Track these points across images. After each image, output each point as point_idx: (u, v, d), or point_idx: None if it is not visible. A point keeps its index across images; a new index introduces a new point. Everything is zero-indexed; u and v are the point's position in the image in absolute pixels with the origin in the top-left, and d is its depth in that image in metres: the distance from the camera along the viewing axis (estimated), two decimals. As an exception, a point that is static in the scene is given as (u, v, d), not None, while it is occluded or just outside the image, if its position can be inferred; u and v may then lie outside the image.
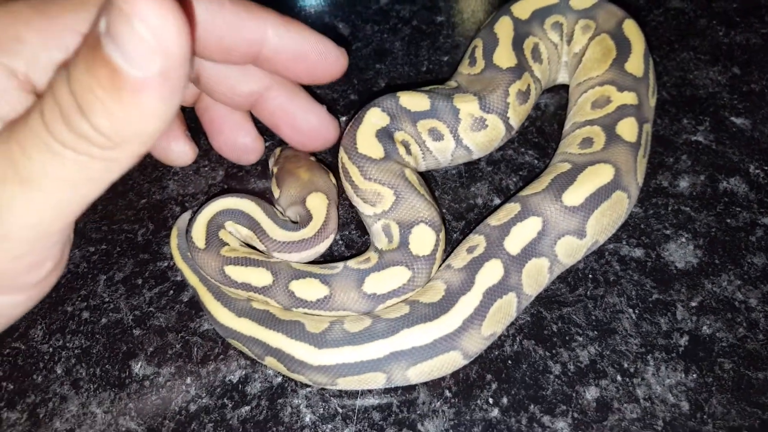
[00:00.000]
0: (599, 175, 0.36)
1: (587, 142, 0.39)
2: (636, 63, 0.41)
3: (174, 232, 0.39)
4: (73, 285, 0.39)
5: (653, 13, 0.53)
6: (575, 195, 0.36)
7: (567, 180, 0.36)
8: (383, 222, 0.37)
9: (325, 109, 0.40)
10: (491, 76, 0.41)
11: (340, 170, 0.39)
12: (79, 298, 0.39)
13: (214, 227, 0.37)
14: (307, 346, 0.33)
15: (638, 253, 0.40)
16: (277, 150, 0.42)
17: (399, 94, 0.39)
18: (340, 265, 0.36)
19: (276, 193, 0.40)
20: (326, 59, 0.36)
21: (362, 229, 0.41)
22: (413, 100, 0.39)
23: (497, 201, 0.42)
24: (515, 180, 0.43)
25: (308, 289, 0.35)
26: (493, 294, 0.34)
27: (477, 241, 0.36)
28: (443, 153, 0.41)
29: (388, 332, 0.33)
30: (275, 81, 0.38)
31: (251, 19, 0.34)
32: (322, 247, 0.38)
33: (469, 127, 0.40)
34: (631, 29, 0.42)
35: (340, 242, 0.41)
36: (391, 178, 0.36)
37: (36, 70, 0.29)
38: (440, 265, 0.37)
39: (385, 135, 0.38)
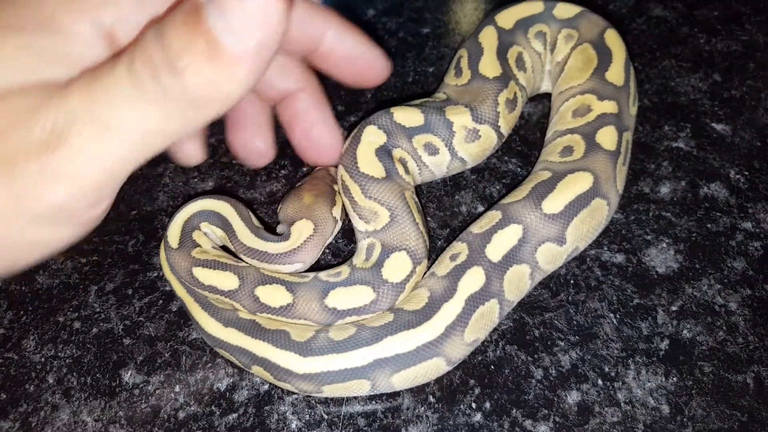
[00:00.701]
0: (578, 183, 0.37)
1: (567, 150, 0.40)
2: (617, 72, 0.42)
3: (163, 244, 0.39)
4: (64, 296, 0.40)
5: (636, 22, 0.54)
6: (555, 203, 0.36)
7: (547, 188, 0.37)
8: (370, 240, 0.37)
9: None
10: (479, 86, 0.41)
11: (340, 187, 0.39)
12: (71, 309, 0.39)
13: (188, 228, 0.37)
14: (292, 355, 0.33)
15: (619, 258, 0.40)
16: (317, 168, 0.42)
17: (392, 110, 0.40)
18: (311, 275, 0.37)
19: (279, 206, 0.40)
20: (374, 67, 0.38)
21: (349, 238, 0.42)
22: (407, 116, 0.40)
23: (481, 209, 0.43)
24: (498, 188, 0.44)
25: (273, 295, 0.35)
26: (475, 301, 0.34)
27: (459, 248, 0.37)
28: (439, 166, 0.41)
29: (372, 340, 0.33)
30: (309, 85, 0.39)
31: (317, 17, 0.36)
32: (284, 269, 0.37)
33: (464, 139, 0.40)
34: (613, 39, 0.43)
35: (327, 251, 0.42)
36: (391, 199, 0.37)
37: (121, 28, 0.30)
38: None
39: (384, 153, 0.39)
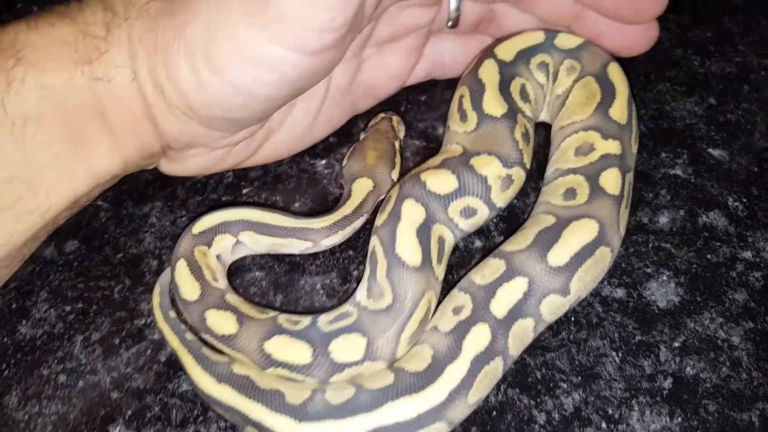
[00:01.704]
0: (583, 232, 0.36)
1: (571, 193, 0.38)
2: (620, 109, 0.41)
3: (156, 290, 0.38)
4: (49, 347, 0.38)
5: (629, 44, 0.53)
6: (560, 254, 0.35)
7: (552, 237, 0.36)
8: (353, 310, 0.36)
9: None
10: (491, 129, 0.40)
11: (369, 255, 0.37)
12: (56, 361, 0.38)
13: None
14: (287, 419, 0.32)
15: (620, 293, 0.40)
16: (380, 115, 0.45)
17: (423, 177, 0.38)
18: (272, 313, 0.36)
19: (345, 161, 0.43)
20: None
21: (343, 278, 0.41)
22: (440, 182, 0.38)
23: (478, 243, 0.42)
24: (495, 221, 0.43)
25: (221, 322, 0.35)
26: (480, 361, 0.33)
27: (463, 300, 0.36)
28: (476, 225, 0.40)
29: (372, 405, 0.32)
30: None
31: None
32: (358, 224, 0.40)
33: (500, 189, 0.39)
34: (615, 73, 0.42)
35: (321, 291, 0.40)
36: (407, 293, 0.35)
37: None
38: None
39: (424, 234, 0.36)
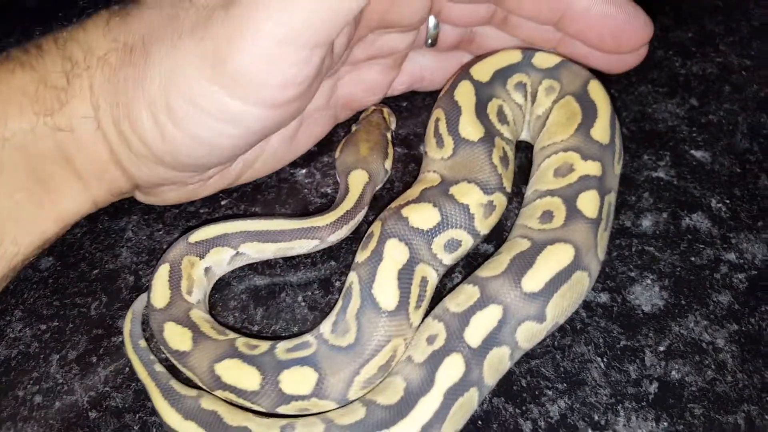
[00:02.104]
0: (558, 257, 0.35)
1: (547, 216, 0.38)
2: (602, 129, 0.39)
3: (128, 317, 0.37)
4: (24, 367, 0.37)
5: (609, 46, 0.53)
6: (535, 280, 0.34)
7: (526, 262, 0.35)
8: (313, 341, 0.35)
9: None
10: (468, 154, 0.39)
11: (345, 289, 0.36)
12: (31, 381, 0.37)
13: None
14: None
15: (604, 298, 0.39)
16: (371, 108, 0.46)
17: (404, 212, 0.37)
18: (232, 335, 0.36)
19: (337, 153, 0.43)
20: (634, 22, 0.38)
21: (325, 289, 0.40)
22: (422, 217, 0.36)
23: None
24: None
25: (176, 337, 0.35)
26: (454, 393, 0.32)
27: (437, 329, 0.34)
28: (459, 257, 0.39)
29: None
30: None
31: None
32: (360, 216, 0.41)
33: (483, 217, 0.38)
34: (597, 91, 0.41)
35: (303, 303, 0.40)
36: (371, 334, 0.34)
37: None
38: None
39: (406, 276, 0.35)
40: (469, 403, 0.33)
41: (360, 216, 0.41)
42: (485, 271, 0.36)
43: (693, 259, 0.41)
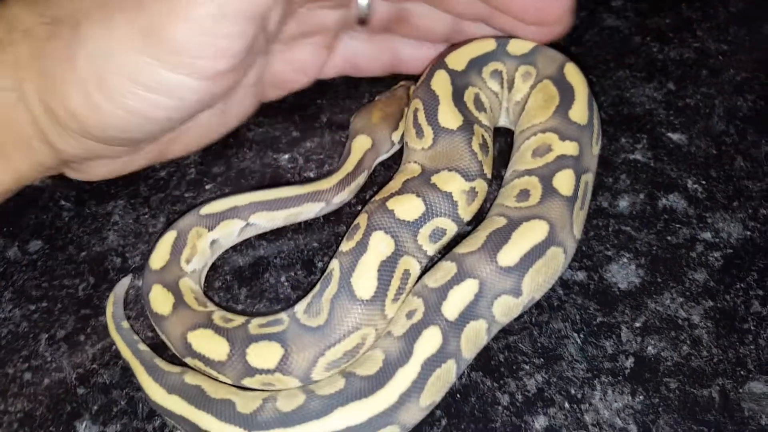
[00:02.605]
0: (533, 233, 0.36)
1: (524, 194, 0.38)
2: (580, 110, 0.40)
3: (110, 299, 0.38)
4: (13, 346, 0.38)
5: (588, 33, 0.54)
6: (510, 255, 0.35)
7: (502, 238, 0.36)
8: (286, 318, 0.36)
9: None
10: (447, 143, 0.39)
11: (325, 274, 0.37)
12: (21, 359, 0.38)
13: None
14: (237, 429, 0.32)
15: (581, 276, 0.40)
16: (401, 83, 0.47)
17: (389, 205, 0.37)
18: (211, 308, 0.37)
19: (353, 117, 0.45)
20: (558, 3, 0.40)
21: (308, 269, 0.41)
22: (407, 208, 0.37)
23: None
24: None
25: (160, 300, 0.36)
26: (432, 364, 0.33)
27: (416, 305, 0.35)
28: (442, 246, 0.39)
29: (322, 412, 0.32)
30: None
31: None
32: (361, 179, 0.42)
33: (466, 203, 0.38)
34: (573, 74, 0.42)
35: (286, 284, 0.41)
36: (342, 318, 0.35)
37: None
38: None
39: (388, 269, 0.36)
40: (447, 374, 0.34)
41: (361, 179, 0.42)
42: (462, 248, 0.37)
43: (669, 238, 0.42)
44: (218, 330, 0.35)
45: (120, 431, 0.35)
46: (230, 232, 0.40)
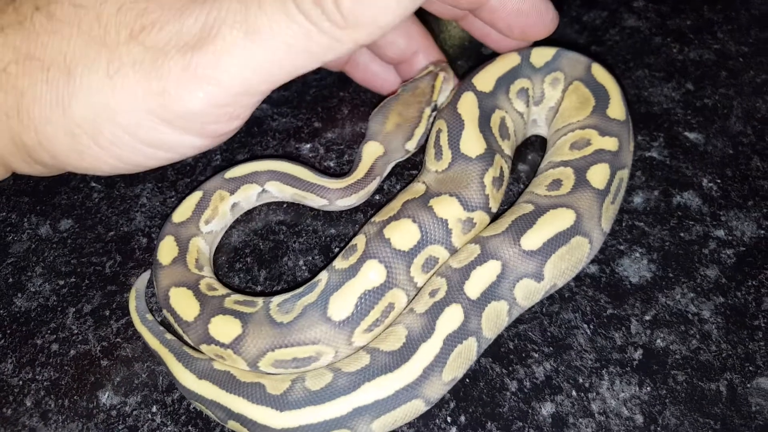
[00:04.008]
0: (559, 220, 0.36)
1: (556, 183, 0.39)
2: (618, 107, 0.41)
3: (132, 294, 0.39)
4: (43, 318, 0.40)
5: (609, 33, 0.54)
6: (533, 239, 0.36)
7: (526, 223, 0.37)
8: (257, 310, 0.36)
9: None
10: (462, 169, 0.39)
11: (311, 282, 0.38)
12: (49, 331, 0.40)
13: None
14: (269, 410, 0.33)
15: (593, 269, 0.41)
16: (428, 68, 0.44)
17: (386, 233, 0.36)
18: (260, 302, 0.37)
19: (372, 114, 0.43)
20: (543, 19, 0.39)
21: (325, 255, 0.42)
22: (403, 236, 0.36)
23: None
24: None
25: (183, 304, 0.36)
26: (453, 340, 0.34)
27: (439, 284, 0.36)
28: (432, 274, 0.38)
29: (350, 388, 0.33)
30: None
31: None
32: (372, 186, 0.42)
33: (461, 232, 0.38)
34: (602, 74, 0.42)
35: (304, 267, 0.42)
36: (303, 327, 0.35)
37: None
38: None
39: (372, 299, 0.36)
40: (468, 351, 0.35)
41: (372, 186, 0.42)
42: (487, 232, 0.38)
43: (682, 234, 0.42)
44: (197, 294, 0.37)
45: (140, 402, 0.37)
46: (249, 196, 0.42)
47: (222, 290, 0.38)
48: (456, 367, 0.35)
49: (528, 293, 0.36)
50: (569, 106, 0.43)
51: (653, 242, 0.42)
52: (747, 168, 0.45)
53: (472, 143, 0.39)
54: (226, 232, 0.43)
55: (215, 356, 0.36)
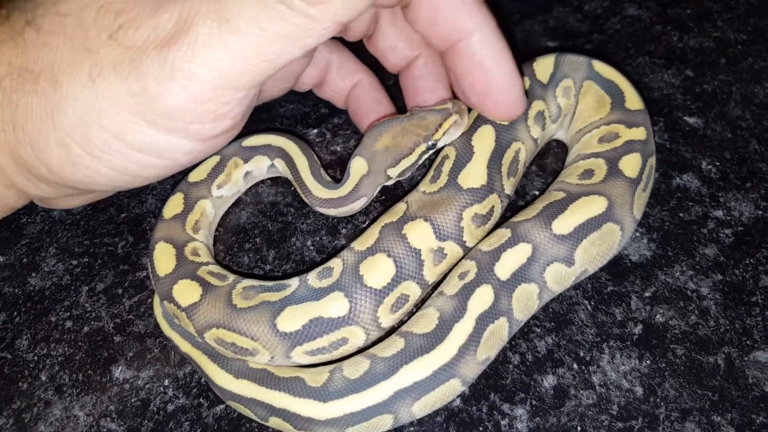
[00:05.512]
0: (591, 206, 0.37)
1: (588, 173, 0.39)
2: (634, 98, 0.42)
3: (156, 301, 0.39)
4: (57, 296, 0.41)
5: (610, 21, 0.55)
6: (565, 223, 0.36)
7: (558, 208, 0.37)
8: (225, 290, 0.36)
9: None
10: (447, 196, 0.38)
11: (278, 283, 0.37)
12: (63, 309, 0.41)
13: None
14: (313, 402, 0.33)
15: (594, 248, 0.42)
16: (444, 106, 0.40)
17: (361, 270, 0.35)
18: (231, 277, 0.38)
19: (370, 125, 0.43)
20: (508, 92, 0.37)
21: (332, 235, 0.43)
22: (378, 274, 0.35)
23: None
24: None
25: (185, 292, 0.36)
26: (485, 319, 0.34)
27: (468, 266, 0.37)
28: (401, 317, 0.37)
29: (389, 372, 0.33)
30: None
31: (469, 15, 0.35)
32: (356, 206, 0.41)
33: (432, 264, 0.37)
34: (606, 70, 0.43)
35: (312, 247, 0.43)
36: (238, 336, 0.35)
37: None
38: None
39: (323, 328, 0.35)
40: (500, 331, 0.35)
41: (356, 206, 0.40)
42: (518, 217, 0.38)
43: (681, 215, 0.43)
44: (179, 254, 0.38)
45: (152, 376, 0.38)
46: (261, 167, 0.43)
47: (204, 258, 0.38)
48: (489, 347, 0.35)
49: (559, 277, 0.37)
50: (587, 107, 0.43)
51: (653, 222, 0.43)
52: (745, 151, 0.46)
53: (472, 176, 0.38)
54: (236, 213, 0.44)
55: (172, 313, 0.37)
